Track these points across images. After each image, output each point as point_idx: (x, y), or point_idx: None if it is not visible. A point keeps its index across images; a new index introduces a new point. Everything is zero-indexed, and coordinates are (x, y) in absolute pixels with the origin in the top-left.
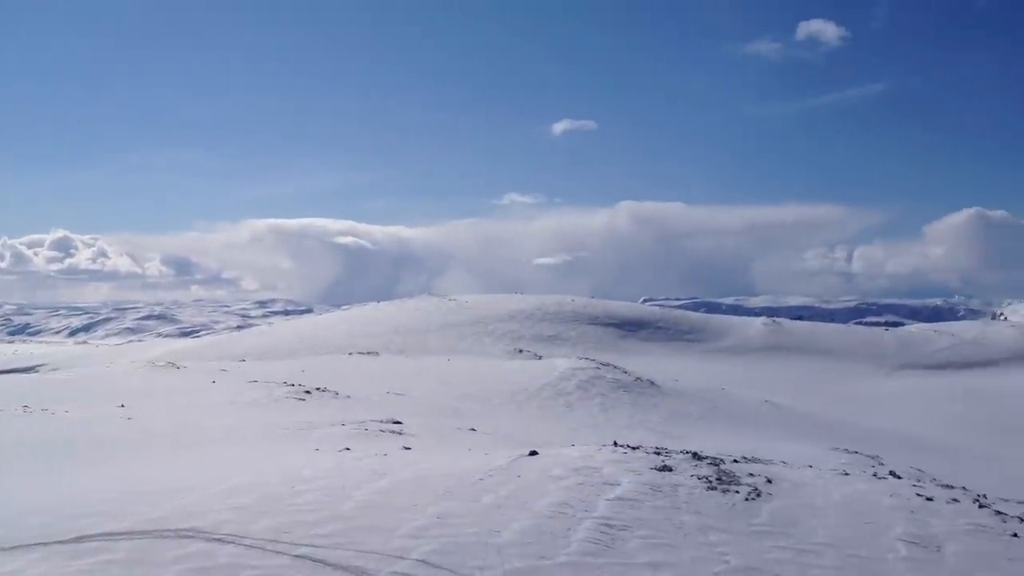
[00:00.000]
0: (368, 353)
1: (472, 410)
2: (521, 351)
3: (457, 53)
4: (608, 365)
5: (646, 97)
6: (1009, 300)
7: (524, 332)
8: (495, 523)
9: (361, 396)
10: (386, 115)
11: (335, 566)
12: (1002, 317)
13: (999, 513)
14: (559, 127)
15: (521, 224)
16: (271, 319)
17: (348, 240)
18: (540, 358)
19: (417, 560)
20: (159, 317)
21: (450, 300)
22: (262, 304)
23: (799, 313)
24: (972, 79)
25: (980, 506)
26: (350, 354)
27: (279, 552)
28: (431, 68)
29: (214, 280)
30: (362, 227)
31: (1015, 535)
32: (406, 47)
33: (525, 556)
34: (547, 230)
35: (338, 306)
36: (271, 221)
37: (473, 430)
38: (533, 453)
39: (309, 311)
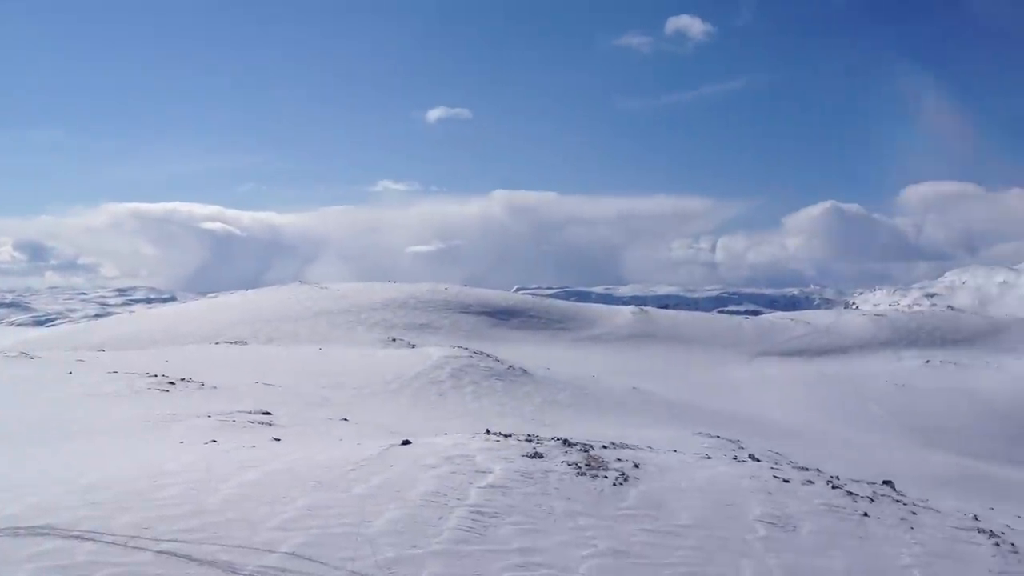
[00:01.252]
0: (236, 342)
1: (344, 400)
2: (394, 340)
3: (330, 37)
4: (481, 353)
5: (520, 87)
6: (860, 290)
7: (397, 321)
8: (367, 513)
9: (228, 387)
10: (257, 99)
11: (200, 561)
12: (854, 306)
13: (851, 494)
14: (434, 114)
15: (395, 211)
16: (132, 307)
17: (215, 226)
18: (413, 347)
19: (286, 553)
20: (11, 305)
21: (322, 288)
22: (122, 292)
23: (666, 302)
24: (830, 77)
25: (833, 487)
26: (217, 344)
27: (141, 548)
28: (303, 52)
29: (70, 266)
30: (230, 212)
31: (865, 514)
32: (278, 30)
33: (397, 545)
34: (421, 218)
35: (204, 294)
36: (133, 205)
37: (345, 420)
38: (406, 442)
39: (173, 299)
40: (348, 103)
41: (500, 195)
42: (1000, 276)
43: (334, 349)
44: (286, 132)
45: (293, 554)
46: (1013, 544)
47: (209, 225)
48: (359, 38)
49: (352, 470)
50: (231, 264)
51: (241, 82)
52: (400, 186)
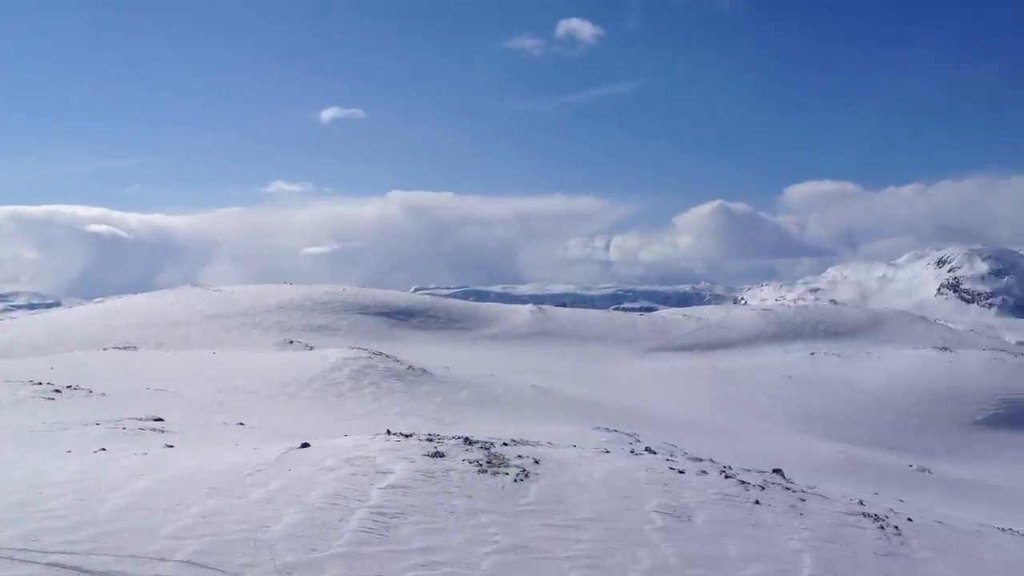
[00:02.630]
0: (125, 348)
1: (240, 404)
2: (291, 342)
3: (221, 36)
4: (380, 354)
5: (414, 88)
6: (749, 285)
7: (294, 323)
8: (265, 518)
9: (118, 393)
10: (144, 99)
11: (92, 572)
12: (743, 301)
13: (743, 483)
14: (327, 115)
15: (289, 213)
16: (13, 313)
17: (101, 228)
18: (311, 349)
19: (181, 561)
20: None
21: (214, 291)
22: (2, 298)
23: (563, 300)
24: (716, 80)
25: (726, 477)
26: (105, 349)
27: (28, 561)
28: (191, 50)
29: None
30: (117, 215)
31: (757, 502)
32: (166, 28)
33: (296, 550)
34: (316, 219)
35: (90, 299)
36: (11, 208)
37: (241, 424)
38: (305, 445)
39: (57, 305)
40: (239, 103)
41: (396, 196)
42: (879, 271)
43: (229, 353)
44: (175, 133)
45: (188, 562)
46: (896, 527)
47: (94, 228)
48: (251, 37)
49: (249, 475)
50: (118, 268)
51: (127, 81)
52: (294, 187)
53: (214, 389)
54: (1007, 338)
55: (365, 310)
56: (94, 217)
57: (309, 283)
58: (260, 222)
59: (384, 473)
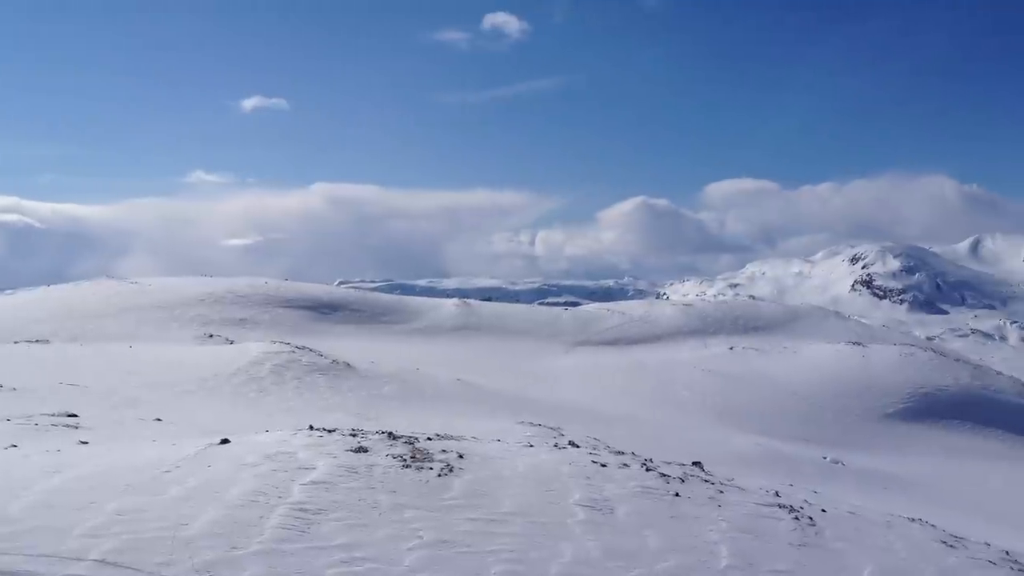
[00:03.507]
0: (36, 341)
1: (158, 399)
2: (211, 336)
3: (138, 20)
4: (303, 348)
5: (339, 78)
6: (671, 281)
7: (214, 316)
8: (183, 516)
9: (29, 388)
10: (57, 84)
11: (2, 572)
12: (665, 296)
13: (663, 475)
14: (249, 104)
15: (210, 204)
16: None
17: (11, 218)
18: (232, 343)
19: (96, 560)
20: None
21: (131, 283)
22: None
23: (488, 294)
24: (639, 77)
25: (647, 469)
26: (16, 343)
27: None
28: (108, 36)
29: None
30: (28, 204)
31: (677, 494)
32: (82, 12)
33: (215, 547)
34: (238, 210)
35: (0, 291)
36: None
37: (159, 420)
38: (225, 441)
39: None
40: (158, 91)
41: (320, 188)
42: (795, 267)
43: (146, 347)
44: (90, 121)
45: (104, 561)
46: (811, 518)
47: (5, 217)
48: (170, 22)
49: (167, 472)
50: (30, 258)
51: (39, 66)
52: (214, 177)
53: (131, 384)
54: (917, 333)
55: (288, 303)
56: (4, 206)
57: (230, 275)
58: (179, 213)
59: (306, 469)
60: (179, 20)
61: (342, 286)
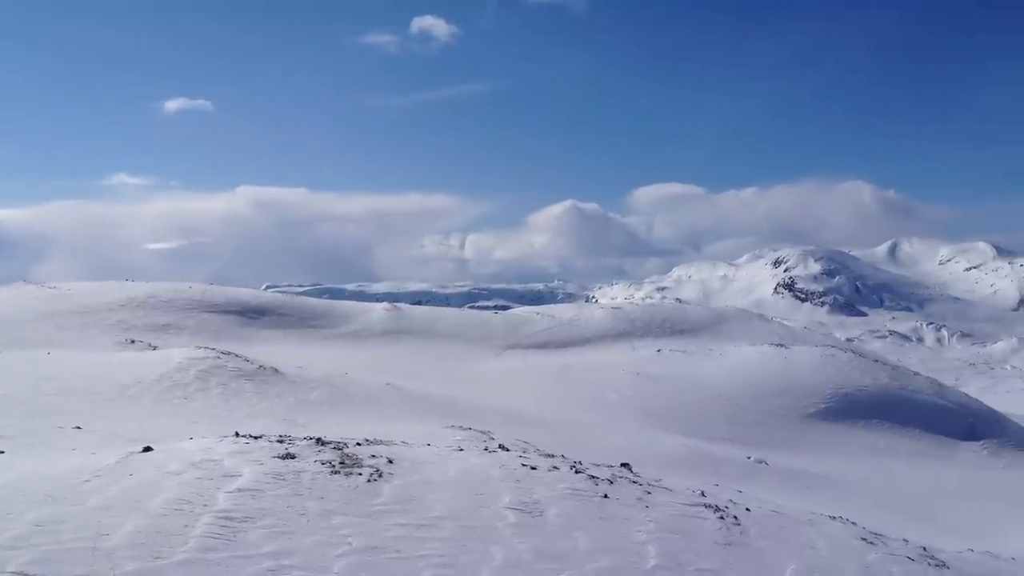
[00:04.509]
0: None
1: (77, 407)
2: (133, 342)
3: (55, 17)
4: (229, 354)
5: (264, 80)
6: (599, 284)
7: (136, 321)
8: (104, 525)
9: None
10: None
11: None
12: (594, 300)
13: (592, 477)
14: (173, 105)
15: (132, 206)
16: None
17: None
18: (155, 348)
19: (14, 572)
20: None
21: (50, 287)
22: None
23: (418, 298)
24: (568, 82)
25: (576, 472)
26: None
27: None
28: (25, 31)
29: None
30: None
31: (606, 496)
32: None
33: (138, 558)
34: (161, 213)
35: None
36: None
37: (79, 428)
38: (147, 449)
39: None
40: (77, 91)
41: (246, 191)
42: (720, 271)
43: (65, 353)
44: (6, 121)
45: (22, 573)
46: (736, 517)
47: None
48: (90, 20)
49: (87, 481)
50: None
51: None
52: (137, 180)
53: (49, 391)
54: (838, 335)
55: (213, 308)
56: None
57: (153, 280)
58: (100, 216)
59: (232, 476)
60: (100, 19)
61: (269, 290)
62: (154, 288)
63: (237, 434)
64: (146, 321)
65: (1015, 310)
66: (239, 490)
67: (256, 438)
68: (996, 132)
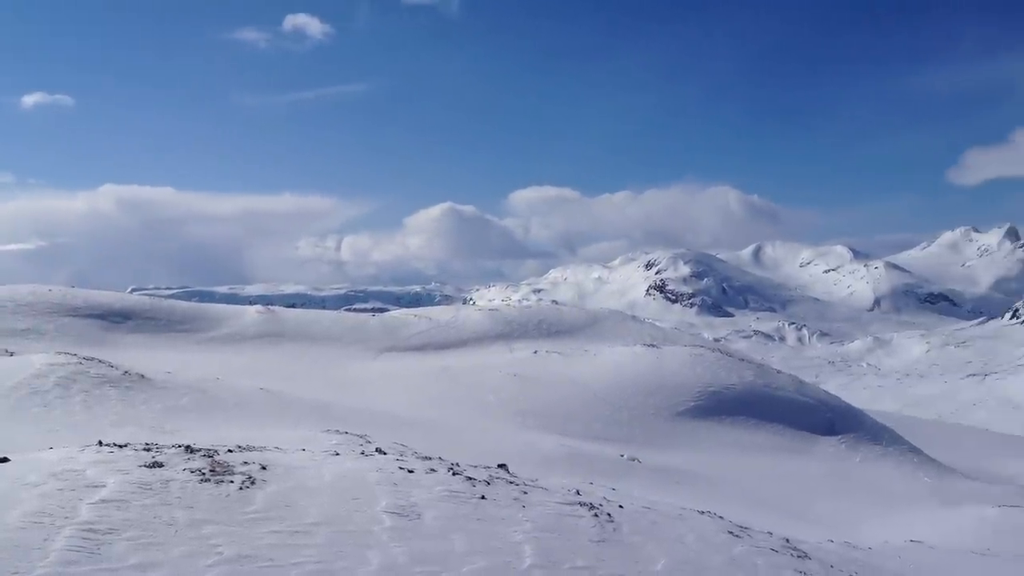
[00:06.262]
0: None
1: None
2: None
3: None
4: (92, 359)
5: (129, 75)
6: (477, 286)
7: None
8: None
9: None
10: None
11: None
12: (471, 302)
13: (470, 479)
14: (31, 100)
15: None
16: None
17: None
18: (12, 354)
19: None
20: None
21: None
22: None
23: (293, 301)
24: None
25: (454, 474)
26: None
27: None
28: None
29: None
30: None
31: (483, 497)
32: None
33: None
34: (18, 212)
35: None
36: None
37: None
38: (3, 460)
39: None
40: None
41: (110, 189)
42: (595, 273)
43: None
44: None
45: None
46: (609, 514)
47: None
48: None
49: None
50: None
51: None
52: None
53: None
54: (706, 335)
55: (75, 312)
56: None
57: (9, 283)
58: None
59: (95, 487)
60: None
61: (135, 293)
62: (11, 291)
63: (101, 443)
64: (3, 326)
65: (870, 310)
66: (103, 501)
67: (121, 447)
68: (853, 140)
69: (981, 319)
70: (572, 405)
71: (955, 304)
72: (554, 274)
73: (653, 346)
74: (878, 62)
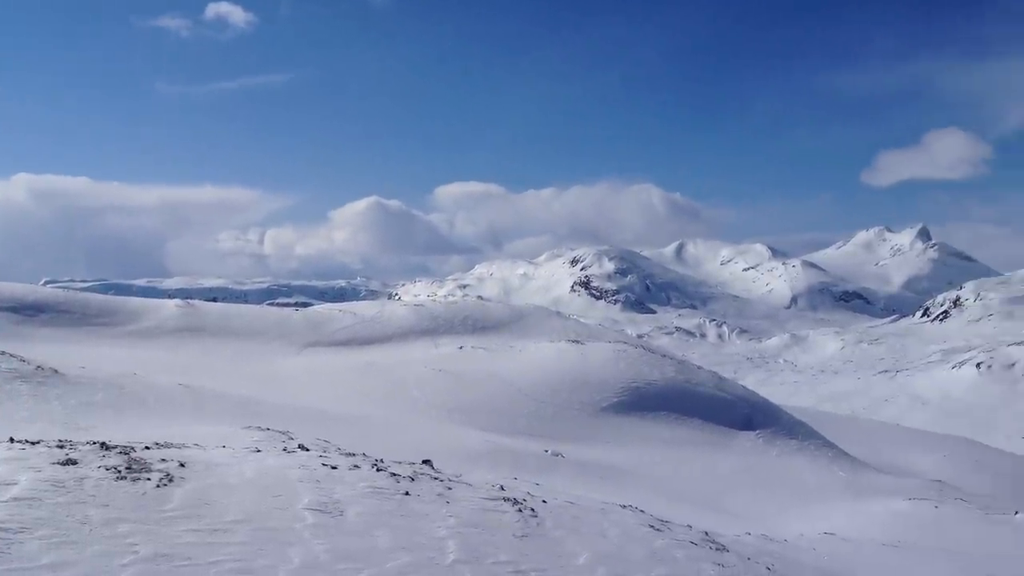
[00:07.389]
0: None
1: None
2: None
3: None
4: (3, 353)
5: (41, 61)
6: (403, 281)
7: None
8: None
9: None
10: None
11: None
12: (397, 297)
13: (394, 475)
14: None
15: None
16: None
17: None
18: None
19: None
20: None
21: None
22: None
23: (214, 295)
24: (370, 77)
25: (378, 470)
26: None
27: None
28: None
29: None
30: None
31: (407, 493)
32: None
33: None
34: None
35: None
36: None
37: None
38: None
39: None
40: None
41: (22, 179)
42: (521, 269)
43: None
44: None
45: None
46: (533, 509)
47: None
48: None
49: None
50: None
51: None
52: None
53: None
54: (629, 331)
55: None
56: None
57: None
58: None
59: (6, 485)
60: None
61: (48, 285)
62: None
63: (12, 440)
64: None
65: (787, 308)
66: (14, 499)
67: (33, 443)
68: (771, 139)
69: (893, 317)
70: (497, 401)
71: (869, 302)
72: (480, 269)
73: (578, 342)
74: (796, 60)
